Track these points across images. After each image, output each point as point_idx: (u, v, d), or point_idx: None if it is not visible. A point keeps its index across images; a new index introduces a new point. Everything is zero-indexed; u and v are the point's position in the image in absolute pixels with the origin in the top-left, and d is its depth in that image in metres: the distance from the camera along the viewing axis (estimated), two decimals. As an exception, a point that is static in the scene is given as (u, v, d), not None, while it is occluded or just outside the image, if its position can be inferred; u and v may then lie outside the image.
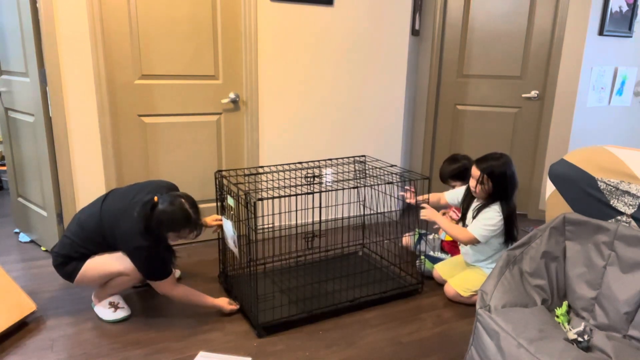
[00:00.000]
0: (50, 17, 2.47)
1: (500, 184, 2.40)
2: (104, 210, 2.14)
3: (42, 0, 2.44)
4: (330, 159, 2.78)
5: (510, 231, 2.43)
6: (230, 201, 2.27)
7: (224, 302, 2.29)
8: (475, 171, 2.43)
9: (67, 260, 2.15)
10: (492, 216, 2.40)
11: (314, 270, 2.76)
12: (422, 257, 2.72)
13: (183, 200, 2.08)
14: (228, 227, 2.28)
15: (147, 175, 2.93)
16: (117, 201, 2.16)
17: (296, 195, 2.15)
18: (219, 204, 2.42)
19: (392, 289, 2.51)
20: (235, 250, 2.23)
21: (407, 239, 3.09)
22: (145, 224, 2.02)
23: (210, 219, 2.47)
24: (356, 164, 2.76)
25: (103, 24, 2.62)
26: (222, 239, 2.50)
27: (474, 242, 2.43)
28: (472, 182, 2.45)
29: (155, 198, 2.06)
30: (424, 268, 2.70)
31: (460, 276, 2.53)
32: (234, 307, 2.31)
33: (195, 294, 2.23)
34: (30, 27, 2.52)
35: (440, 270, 2.66)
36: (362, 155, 2.85)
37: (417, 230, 3.03)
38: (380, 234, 3.29)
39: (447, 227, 2.50)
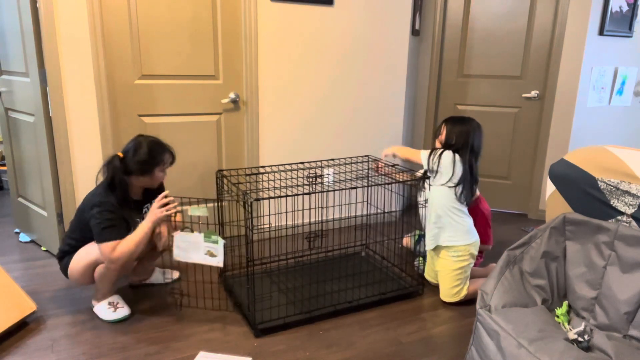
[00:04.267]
0: (50, 17, 2.47)
1: (452, 133, 2.45)
2: (84, 198, 2.22)
3: (42, 0, 2.44)
4: (332, 159, 2.78)
5: (460, 185, 2.39)
6: (200, 211, 2.07)
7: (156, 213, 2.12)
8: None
9: (63, 255, 2.24)
10: (446, 153, 2.42)
11: (315, 270, 2.75)
12: (420, 258, 2.72)
13: (141, 136, 2.17)
14: (196, 240, 2.10)
15: (147, 175, 2.93)
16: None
17: (294, 195, 2.15)
18: (219, 203, 2.42)
19: (392, 290, 2.50)
20: (213, 260, 2.09)
21: (407, 240, 3.09)
22: (111, 179, 2.09)
23: (158, 203, 2.18)
24: (358, 164, 2.76)
25: (103, 24, 2.63)
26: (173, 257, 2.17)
27: (419, 159, 2.50)
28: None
29: (120, 154, 2.13)
30: (422, 268, 2.70)
31: (441, 284, 2.49)
32: (169, 210, 2.13)
33: (130, 237, 2.10)
34: (30, 27, 2.52)
35: (427, 275, 2.65)
36: (366, 156, 2.85)
37: (417, 231, 3.03)
38: (383, 234, 3.29)
39: (404, 152, 2.59)
